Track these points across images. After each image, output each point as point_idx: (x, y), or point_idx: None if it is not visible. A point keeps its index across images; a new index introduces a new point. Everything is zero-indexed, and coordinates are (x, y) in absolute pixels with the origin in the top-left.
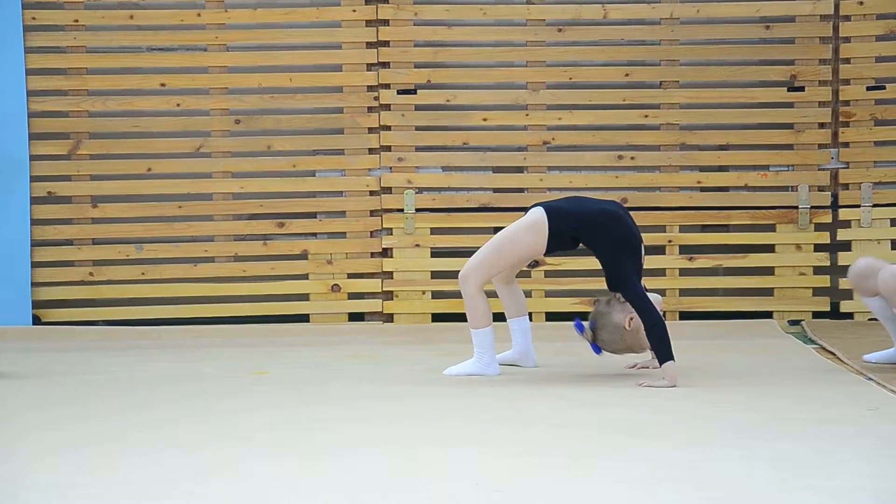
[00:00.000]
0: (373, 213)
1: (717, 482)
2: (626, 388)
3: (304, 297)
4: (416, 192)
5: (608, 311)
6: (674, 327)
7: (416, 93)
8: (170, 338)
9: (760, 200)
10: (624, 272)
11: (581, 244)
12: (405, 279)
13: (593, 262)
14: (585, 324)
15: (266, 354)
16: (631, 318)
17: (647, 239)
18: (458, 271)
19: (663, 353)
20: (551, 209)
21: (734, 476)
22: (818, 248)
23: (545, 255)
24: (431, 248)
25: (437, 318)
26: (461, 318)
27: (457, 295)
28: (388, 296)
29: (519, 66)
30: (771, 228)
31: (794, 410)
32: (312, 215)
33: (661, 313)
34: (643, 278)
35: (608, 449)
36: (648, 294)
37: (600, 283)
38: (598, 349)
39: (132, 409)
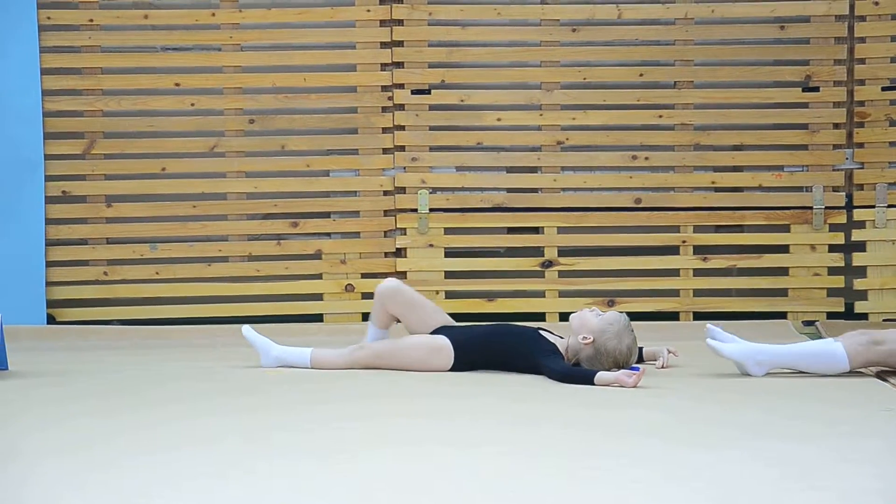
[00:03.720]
0: (386, 212)
1: (725, 483)
2: (633, 389)
3: (318, 296)
4: (430, 192)
5: (592, 354)
6: (687, 328)
7: (430, 93)
8: (183, 337)
9: (775, 201)
10: (547, 367)
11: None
12: (419, 279)
13: (607, 263)
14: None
15: None
16: (587, 339)
17: (661, 239)
18: (472, 271)
19: (584, 377)
20: (454, 340)
21: (743, 477)
22: (833, 248)
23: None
24: (445, 248)
25: (450, 317)
26: (475, 317)
27: (471, 295)
28: None
29: (533, 66)
30: (785, 229)
31: (806, 411)
32: (326, 215)
33: (666, 351)
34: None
35: (616, 450)
36: (652, 348)
37: (614, 284)
38: (634, 368)
39: (145, 408)
